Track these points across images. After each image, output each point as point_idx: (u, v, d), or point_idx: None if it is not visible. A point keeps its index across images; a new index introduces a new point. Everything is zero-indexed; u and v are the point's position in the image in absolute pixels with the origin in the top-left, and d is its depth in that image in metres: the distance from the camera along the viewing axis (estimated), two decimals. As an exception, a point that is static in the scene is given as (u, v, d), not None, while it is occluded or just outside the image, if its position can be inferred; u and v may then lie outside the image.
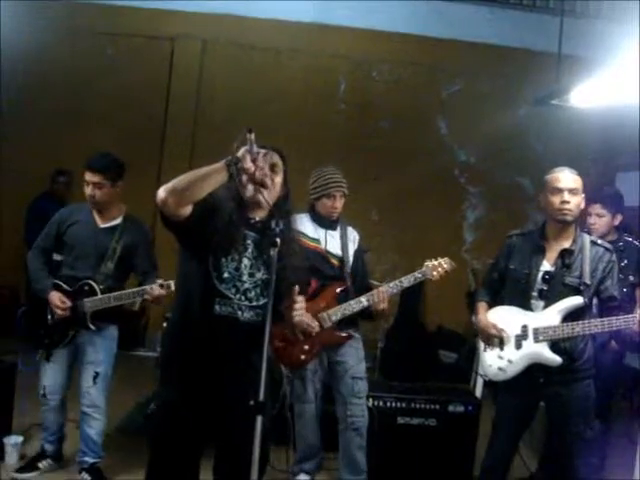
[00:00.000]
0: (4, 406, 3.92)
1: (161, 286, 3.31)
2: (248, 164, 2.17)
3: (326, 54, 7.00)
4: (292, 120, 6.80)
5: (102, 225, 3.59)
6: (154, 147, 6.90)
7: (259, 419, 1.98)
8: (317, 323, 3.45)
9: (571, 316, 2.98)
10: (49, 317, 3.55)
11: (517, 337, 3.07)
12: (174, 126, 6.94)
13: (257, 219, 2.40)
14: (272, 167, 2.37)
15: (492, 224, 7.06)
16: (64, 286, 3.53)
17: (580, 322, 2.94)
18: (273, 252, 2.15)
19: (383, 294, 3.49)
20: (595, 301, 3.11)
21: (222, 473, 2.42)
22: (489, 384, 3.33)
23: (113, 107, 6.70)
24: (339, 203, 3.63)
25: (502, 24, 6.97)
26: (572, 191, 3.00)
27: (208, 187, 2.16)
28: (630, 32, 3.39)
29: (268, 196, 2.34)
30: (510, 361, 3.08)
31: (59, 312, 3.47)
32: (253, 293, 2.35)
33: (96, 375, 3.56)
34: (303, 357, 3.51)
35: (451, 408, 3.82)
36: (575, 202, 3.01)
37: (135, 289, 3.46)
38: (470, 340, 6.33)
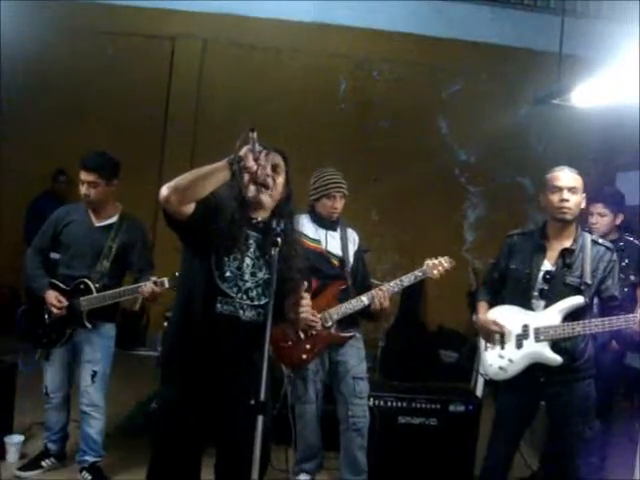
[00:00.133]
0: (5, 405, 3.93)
1: (155, 283, 3.33)
2: (250, 163, 2.18)
3: (326, 54, 7.00)
4: (292, 120, 6.81)
5: (98, 224, 3.61)
6: (155, 146, 6.90)
7: (260, 419, 1.98)
8: (319, 317, 3.45)
9: (572, 316, 2.98)
10: (46, 316, 3.57)
11: (518, 336, 3.07)
12: (175, 125, 6.94)
13: (259, 219, 2.40)
14: (274, 167, 2.37)
15: (493, 224, 7.06)
16: (61, 285, 3.54)
17: (581, 322, 2.94)
18: (274, 252, 2.15)
19: (384, 293, 3.49)
20: (596, 301, 3.10)
21: (223, 472, 2.42)
22: (490, 383, 3.33)
23: (113, 107, 6.70)
24: (339, 204, 3.63)
25: (503, 24, 6.97)
26: (571, 190, 3.00)
27: (210, 185, 2.17)
28: (630, 32, 3.40)
29: (270, 197, 2.35)
30: (511, 360, 3.08)
31: (55, 311, 3.49)
32: (255, 292, 2.35)
33: (94, 374, 3.57)
34: (304, 357, 3.51)
35: (452, 408, 3.82)
36: (574, 201, 3.01)
37: (130, 287, 3.47)
38: (471, 339, 6.33)
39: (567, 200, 2.99)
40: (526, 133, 6.95)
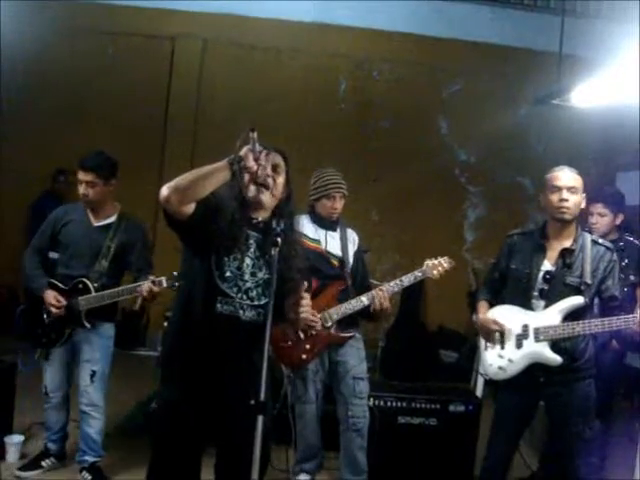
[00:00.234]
0: (5, 405, 3.93)
1: (153, 283, 3.33)
2: (250, 163, 2.18)
3: (326, 54, 7.00)
4: (292, 119, 6.81)
5: (96, 224, 3.62)
6: (155, 146, 6.90)
7: (260, 419, 1.98)
8: (319, 317, 3.46)
9: (572, 316, 2.98)
10: (45, 316, 3.57)
11: (518, 336, 3.07)
12: (175, 125, 6.94)
13: (259, 219, 2.40)
14: (274, 168, 2.37)
15: (493, 224, 7.06)
16: (59, 285, 3.55)
17: (580, 322, 2.94)
18: (274, 252, 2.16)
19: (384, 293, 3.49)
20: (597, 301, 3.10)
21: (223, 472, 2.42)
22: (490, 383, 3.33)
23: (113, 107, 6.71)
24: (339, 204, 3.64)
25: (503, 24, 6.97)
26: (571, 189, 3.00)
27: (211, 185, 2.17)
28: (630, 32, 3.40)
29: (270, 197, 2.35)
30: (510, 360, 3.08)
31: (54, 310, 3.49)
32: (255, 292, 2.35)
33: (93, 373, 3.58)
34: (304, 357, 3.52)
35: (452, 408, 3.82)
36: (574, 200, 3.00)
37: (128, 286, 3.47)
38: (471, 340, 6.33)
39: (566, 200, 2.99)
40: (526, 133, 6.95)
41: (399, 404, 3.82)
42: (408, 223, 7.02)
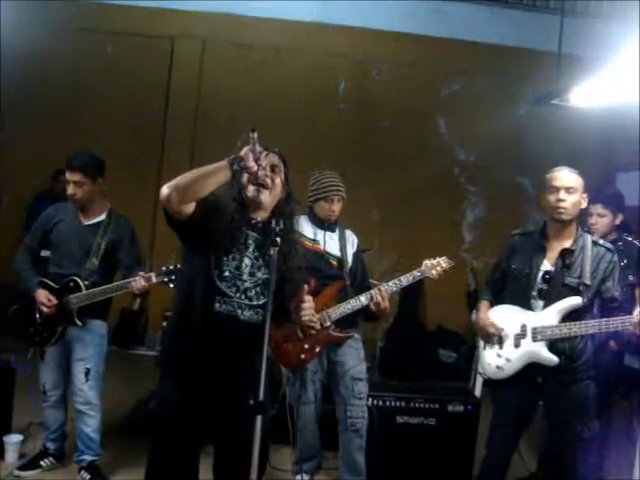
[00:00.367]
0: (4, 405, 3.94)
1: (143, 278, 3.33)
2: (251, 163, 2.19)
3: (326, 53, 6.99)
4: (292, 119, 6.81)
5: (86, 222, 3.64)
6: (154, 146, 6.91)
7: (259, 419, 1.98)
8: (318, 317, 3.45)
9: (570, 316, 2.98)
10: (37, 315, 3.59)
11: (516, 336, 3.08)
12: (174, 125, 6.95)
13: (258, 219, 2.41)
14: (272, 168, 2.38)
15: (492, 223, 7.07)
16: (50, 284, 3.56)
17: (577, 322, 2.94)
18: (273, 252, 2.16)
19: (382, 293, 3.49)
20: (598, 301, 3.10)
21: (221, 472, 2.43)
22: (488, 383, 3.33)
23: (113, 106, 6.71)
24: (337, 207, 3.65)
25: (502, 23, 6.97)
26: (569, 190, 3.00)
27: (211, 185, 2.17)
28: (630, 32, 3.39)
29: (269, 197, 2.36)
30: (508, 359, 3.09)
31: (45, 309, 3.51)
32: (253, 292, 2.35)
33: (87, 372, 3.59)
34: (303, 356, 3.51)
35: (450, 407, 3.82)
36: (572, 201, 3.00)
37: (118, 282, 3.49)
38: (469, 339, 6.34)
39: (563, 200, 2.99)
40: (525, 133, 6.94)
41: (398, 404, 3.82)
42: (407, 223, 7.01)
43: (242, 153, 2.20)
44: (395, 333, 6.69)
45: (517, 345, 3.07)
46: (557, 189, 3.01)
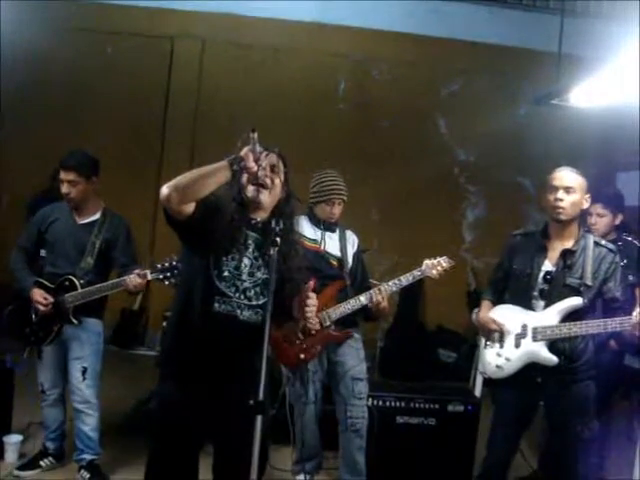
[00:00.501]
0: (3, 405, 3.94)
1: (138, 275, 3.34)
2: (251, 163, 2.19)
3: (326, 53, 6.99)
4: (291, 119, 6.80)
5: (80, 221, 3.65)
6: (154, 146, 6.90)
7: (259, 419, 1.98)
8: (318, 317, 3.46)
9: (572, 316, 2.98)
10: (33, 315, 3.59)
11: (517, 336, 3.08)
12: (174, 125, 6.94)
13: (258, 219, 2.41)
14: (272, 168, 2.38)
15: (492, 223, 7.06)
16: (46, 283, 3.57)
17: (577, 323, 2.94)
18: (273, 252, 2.16)
19: (382, 292, 3.49)
20: (599, 302, 3.10)
21: (221, 472, 2.43)
22: (488, 383, 3.34)
23: (113, 106, 6.70)
24: (337, 210, 3.65)
25: (502, 23, 6.96)
26: (567, 189, 3.00)
27: (211, 185, 2.18)
28: (630, 31, 3.39)
29: (268, 197, 2.36)
30: (508, 359, 3.09)
31: (41, 308, 3.51)
32: (252, 292, 2.35)
33: (84, 370, 3.59)
34: (302, 356, 3.51)
35: (450, 407, 3.82)
36: (570, 200, 3.00)
37: (114, 280, 3.49)
38: (470, 339, 6.33)
39: (561, 200, 2.99)
40: (525, 133, 6.94)
41: (398, 404, 3.82)
42: (407, 223, 7.00)
43: (242, 153, 2.20)
44: (395, 333, 6.69)
45: (517, 345, 3.07)
46: (556, 189, 3.01)
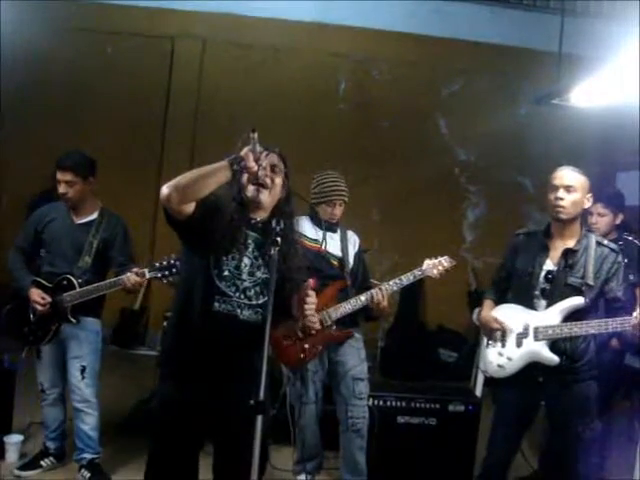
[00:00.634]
0: (4, 405, 3.94)
1: (136, 274, 3.34)
2: (251, 163, 2.19)
3: (326, 53, 6.99)
4: (292, 119, 6.80)
5: (78, 221, 3.66)
6: (154, 146, 6.90)
7: (259, 418, 1.98)
8: (319, 317, 3.46)
9: (573, 316, 2.97)
10: (31, 314, 3.60)
11: (518, 335, 3.08)
12: (174, 125, 6.94)
13: (258, 219, 2.41)
14: (272, 167, 2.38)
15: (492, 223, 7.07)
16: (44, 282, 3.57)
17: (578, 322, 2.94)
18: (274, 251, 2.16)
19: (382, 292, 3.49)
20: (601, 302, 3.09)
21: (221, 472, 2.43)
22: (489, 383, 3.34)
23: (113, 106, 6.70)
24: (338, 211, 3.66)
25: (502, 23, 6.96)
26: (567, 188, 2.99)
27: (211, 185, 2.18)
28: (630, 31, 3.38)
29: (268, 197, 2.36)
30: (510, 358, 3.09)
31: (39, 308, 3.52)
32: (253, 292, 2.35)
33: (83, 369, 3.60)
34: (303, 356, 3.51)
35: (451, 407, 3.82)
36: (570, 199, 2.99)
37: (112, 279, 3.50)
38: (470, 339, 6.33)
39: (561, 199, 2.98)
40: (526, 133, 6.94)
41: (399, 404, 3.82)
42: (408, 222, 7.00)
43: (242, 153, 2.20)
44: (396, 333, 6.69)
45: (519, 344, 3.07)
46: (556, 187, 3.01)
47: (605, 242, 3.12)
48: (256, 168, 2.22)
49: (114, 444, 4.02)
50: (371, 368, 4.26)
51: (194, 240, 2.33)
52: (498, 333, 3.14)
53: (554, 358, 2.97)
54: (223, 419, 2.35)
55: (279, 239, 2.18)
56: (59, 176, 3.58)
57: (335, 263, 3.66)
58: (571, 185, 2.99)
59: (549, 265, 3.07)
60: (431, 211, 7.05)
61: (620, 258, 3.07)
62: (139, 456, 3.37)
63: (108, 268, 3.70)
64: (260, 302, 2.35)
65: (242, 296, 2.34)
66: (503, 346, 3.13)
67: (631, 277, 3.63)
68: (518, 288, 3.17)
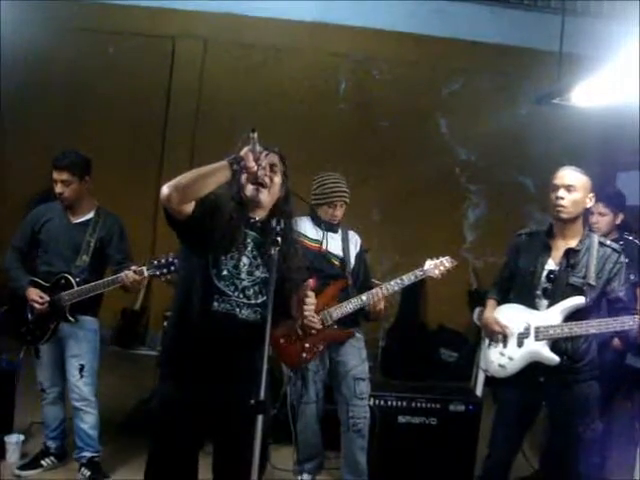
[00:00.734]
0: (5, 405, 3.94)
1: (134, 272, 3.33)
2: (251, 163, 2.19)
3: (327, 53, 6.99)
4: (292, 119, 6.80)
5: (74, 221, 3.66)
6: (155, 146, 6.90)
7: (260, 418, 1.98)
8: (319, 318, 3.45)
9: (575, 316, 2.97)
10: (29, 314, 3.60)
11: (520, 335, 3.07)
12: (175, 125, 6.94)
13: (257, 219, 2.41)
14: (271, 167, 2.38)
15: (493, 223, 7.07)
16: (41, 282, 3.58)
17: (579, 322, 2.93)
18: (274, 251, 2.16)
19: (379, 294, 3.49)
20: (603, 301, 3.09)
21: (221, 472, 2.43)
22: (490, 383, 3.33)
23: (114, 106, 6.71)
24: (339, 212, 3.66)
25: (503, 23, 6.96)
26: (568, 188, 2.99)
27: (211, 185, 2.18)
28: (630, 31, 3.38)
29: (267, 196, 2.36)
30: (511, 358, 3.08)
31: (37, 307, 3.52)
32: (251, 291, 2.35)
33: (81, 368, 3.60)
34: (304, 355, 3.51)
35: (452, 407, 3.82)
36: (571, 199, 2.99)
37: (110, 278, 3.49)
38: (471, 339, 6.33)
39: (562, 198, 2.98)
40: (526, 132, 6.93)
41: (399, 404, 3.81)
42: (408, 222, 7.00)
43: (242, 153, 2.21)
44: (397, 333, 6.69)
45: (520, 344, 3.07)
46: (557, 187, 3.01)
47: (607, 242, 3.11)
48: (256, 168, 2.23)
49: (114, 444, 4.02)
50: (372, 368, 4.26)
51: (193, 239, 2.33)
52: (499, 336, 3.14)
53: (554, 358, 2.97)
54: (223, 419, 2.35)
55: (279, 239, 2.18)
56: (55, 176, 3.59)
57: (336, 263, 3.66)
58: (572, 185, 2.99)
59: (551, 265, 3.07)
60: (431, 211, 7.04)
61: (622, 258, 3.06)
62: (139, 455, 3.37)
63: (106, 267, 3.70)
64: (259, 301, 2.35)
65: (241, 295, 2.34)
66: (504, 346, 3.13)
67: (631, 277, 3.63)
68: (520, 288, 3.17)
